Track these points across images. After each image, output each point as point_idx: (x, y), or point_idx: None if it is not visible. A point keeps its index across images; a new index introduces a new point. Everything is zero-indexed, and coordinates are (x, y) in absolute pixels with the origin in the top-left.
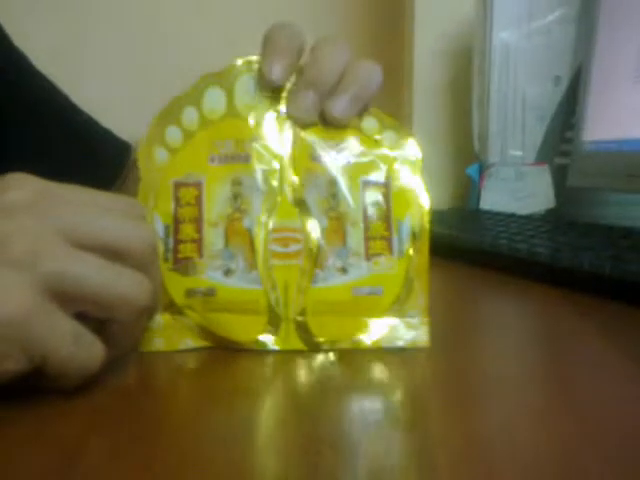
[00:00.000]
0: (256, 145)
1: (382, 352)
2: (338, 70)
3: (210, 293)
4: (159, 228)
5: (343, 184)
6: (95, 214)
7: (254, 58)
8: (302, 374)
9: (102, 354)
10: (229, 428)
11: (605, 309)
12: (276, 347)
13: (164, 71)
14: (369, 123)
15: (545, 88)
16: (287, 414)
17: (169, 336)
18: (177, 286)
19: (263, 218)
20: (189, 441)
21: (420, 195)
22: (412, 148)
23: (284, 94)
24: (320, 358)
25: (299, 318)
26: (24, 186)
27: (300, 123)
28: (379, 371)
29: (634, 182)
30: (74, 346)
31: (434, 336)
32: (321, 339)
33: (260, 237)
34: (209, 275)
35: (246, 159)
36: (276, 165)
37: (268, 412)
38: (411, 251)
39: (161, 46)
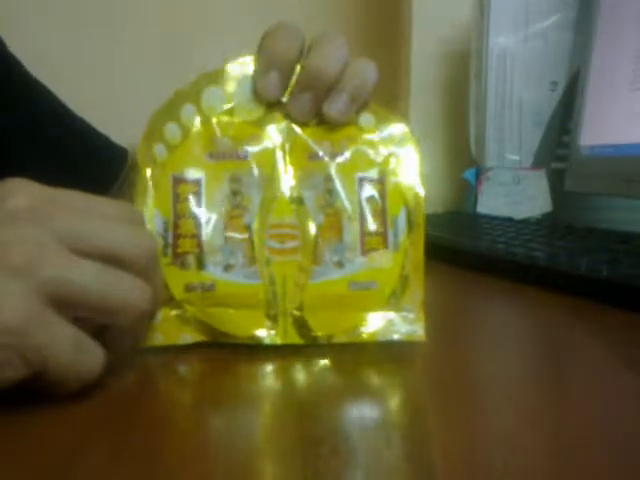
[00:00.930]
0: (253, 142)
1: (378, 347)
2: (336, 69)
3: (210, 288)
4: (159, 223)
5: (339, 180)
6: (95, 221)
7: (252, 58)
8: (299, 372)
9: (102, 359)
10: (229, 428)
11: (602, 313)
12: (274, 341)
13: (162, 72)
14: (365, 119)
15: (542, 93)
16: (284, 414)
17: (168, 331)
18: (176, 281)
19: (262, 215)
20: (188, 442)
21: (416, 189)
22: (409, 145)
23: None
24: (317, 354)
25: (297, 313)
26: (24, 193)
27: (298, 122)
28: (376, 369)
29: (631, 187)
30: (74, 352)
31: (430, 336)
32: (318, 333)
33: (259, 234)
34: (209, 270)
35: (244, 156)
36: (273, 162)
37: (267, 413)
38: (406, 245)
39: (160, 46)
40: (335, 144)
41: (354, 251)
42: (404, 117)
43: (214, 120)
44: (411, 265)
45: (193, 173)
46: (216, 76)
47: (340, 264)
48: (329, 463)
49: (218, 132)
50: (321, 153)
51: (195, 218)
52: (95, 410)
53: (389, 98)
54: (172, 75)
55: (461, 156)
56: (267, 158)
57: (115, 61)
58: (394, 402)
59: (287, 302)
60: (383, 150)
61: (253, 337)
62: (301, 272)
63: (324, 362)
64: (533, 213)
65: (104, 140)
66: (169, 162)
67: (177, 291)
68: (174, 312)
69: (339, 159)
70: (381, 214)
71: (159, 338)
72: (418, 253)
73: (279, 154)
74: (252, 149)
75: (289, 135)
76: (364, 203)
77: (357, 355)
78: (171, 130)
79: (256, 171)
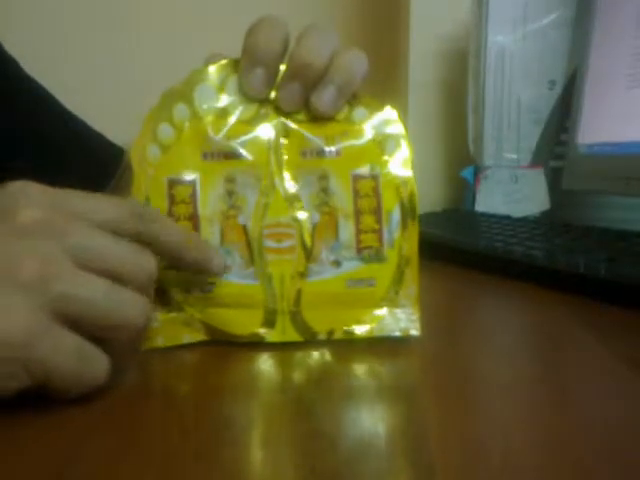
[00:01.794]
0: (247, 141)
1: (376, 343)
2: (324, 60)
3: (208, 289)
4: None
5: (334, 178)
6: (103, 239)
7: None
8: (298, 369)
9: (107, 367)
10: (228, 427)
11: (600, 311)
12: (273, 340)
13: (159, 72)
14: (359, 113)
15: (540, 91)
16: (283, 412)
17: (168, 332)
18: (175, 283)
19: (258, 214)
20: (187, 443)
21: (409, 185)
22: (401, 140)
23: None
24: (314, 350)
25: (295, 311)
26: (34, 203)
27: (287, 112)
28: (374, 366)
29: (629, 185)
30: (78, 363)
31: (429, 335)
32: (316, 330)
33: (255, 233)
34: None
35: (239, 156)
36: (268, 161)
37: (266, 409)
38: (401, 241)
39: (157, 46)
40: (329, 139)
41: (350, 249)
42: (402, 115)
43: (207, 119)
44: (406, 261)
45: (188, 174)
46: (207, 73)
47: (337, 263)
48: (327, 460)
49: (211, 131)
50: (315, 149)
51: (191, 220)
52: (92, 410)
53: (387, 96)
54: (171, 73)
55: (459, 154)
56: (261, 157)
57: (115, 60)
58: (392, 399)
59: (285, 301)
60: (376, 144)
61: (253, 336)
62: (298, 271)
63: (321, 359)
64: (531, 211)
65: (100, 138)
66: (163, 163)
67: (176, 293)
68: (174, 314)
69: (333, 156)
70: (376, 211)
71: (160, 340)
72: (412, 249)
73: (273, 152)
74: (246, 148)
75: (283, 131)
76: (359, 200)
77: (354, 352)
78: (164, 131)
79: (251, 171)
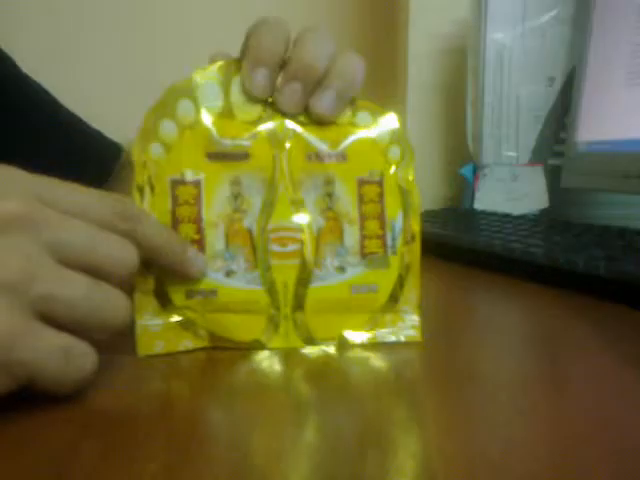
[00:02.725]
0: (253, 143)
1: (377, 348)
2: (324, 63)
3: (211, 294)
4: None
5: (339, 183)
6: (84, 232)
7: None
8: (298, 370)
9: (95, 362)
10: (228, 429)
11: (599, 309)
12: (275, 346)
13: (159, 73)
14: (362, 118)
15: (539, 89)
16: (286, 416)
17: (168, 338)
18: (177, 287)
19: (262, 218)
20: (186, 444)
21: (413, 192)
22: (404, 144)
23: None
24: (317, 354)
25: (298, 316)
26: (14, 195)
27: (287, 113)
28: (375, 368)
29: (628, 182)
30: (64, 361)
31: (428, 334)
32: (319, 336)
33: (260, 237)
34: (211, 276)
35: (244, 158)
36: (273, 164)
37: (266, 412)
38: (403, 248)
39: (156, 47)
40: (334, 144)
41: (355, 255)
42: (401, 113)
43: (212, 119)
44: (408, 267)
45: (192, 174)
46: (211, 72)
47: (341, 269)
48: (327, 461)
49: (216, 132)
50: (320, 153)
51: (195, 223)
52: (88, 410)
53: (386, 94)
54: (172, 72)
55: (458, 152)
56: (266, 160)
57: (114, 58)
58: (393, 400)
59: (288, 306)
60: (380, 150)
61: (255, 342)
62: (302, 276)
63: (321, 359)
64: (530, 209)
65: (97, 135)
66: (166, 162)
67: (177, 298)
68: (175, 319)
69: (338, 160)
70: (380, 217)
71: (160, 346)
72: (415, 256)
73: (278, 155)
74: (251, 150)
75: (287, 134)
76: (364, 206)
77: (357, 356)
78: (167, 127)
79: (255, 173)
